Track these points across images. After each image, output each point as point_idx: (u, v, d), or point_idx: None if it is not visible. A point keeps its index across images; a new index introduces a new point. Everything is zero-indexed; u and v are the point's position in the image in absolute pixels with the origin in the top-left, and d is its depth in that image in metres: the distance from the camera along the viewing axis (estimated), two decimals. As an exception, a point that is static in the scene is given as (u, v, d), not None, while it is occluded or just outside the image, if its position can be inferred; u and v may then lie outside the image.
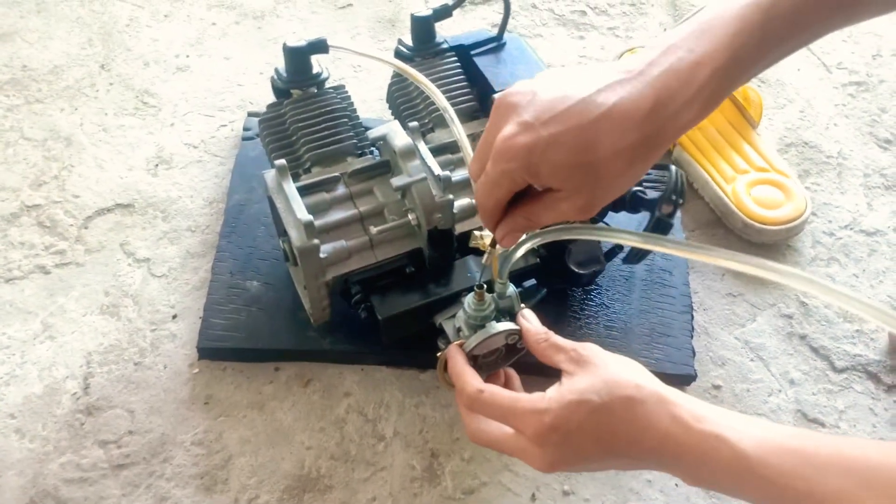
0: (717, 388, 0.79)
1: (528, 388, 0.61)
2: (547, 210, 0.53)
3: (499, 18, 0.84)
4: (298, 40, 0.76)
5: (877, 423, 0.78)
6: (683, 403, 0.53)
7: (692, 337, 0.80)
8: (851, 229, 0.92)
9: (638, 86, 0.50)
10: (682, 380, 0.78)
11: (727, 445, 0.50)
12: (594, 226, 0.71)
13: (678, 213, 0.76)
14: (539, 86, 0.52)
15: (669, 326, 0.80)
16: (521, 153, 0.51)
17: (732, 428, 0.51)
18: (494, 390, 0.57)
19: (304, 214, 0.68)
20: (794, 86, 1.06)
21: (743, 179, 0.90)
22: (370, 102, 1.01)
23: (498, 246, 0.62)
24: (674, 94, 0.50)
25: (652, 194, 0.76)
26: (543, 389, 0.55)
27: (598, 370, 0.55)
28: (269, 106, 0.79)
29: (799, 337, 0.83)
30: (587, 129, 0.50)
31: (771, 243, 0.89)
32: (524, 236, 0.59)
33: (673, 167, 0.74)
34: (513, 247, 0.59)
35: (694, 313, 0.82)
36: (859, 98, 1.05)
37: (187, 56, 1.04)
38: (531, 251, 0.61)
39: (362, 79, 1.04)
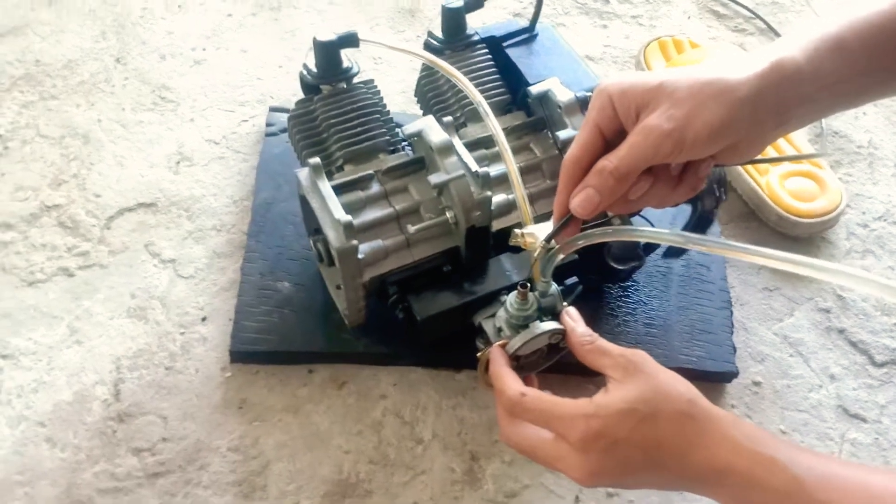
0: (758, 384, 0.78)
1: (563, 389, 0.59)
2: (624, 143, 0.52)
3: (517, 7, 0.81)
4: (328, 34, 0.74)
5: (919, 418, 0.77)
6: (735, 423, 0.52)
7: (732, 333, 0.79)
8: (885, 220, 0.91)
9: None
10: (723, 377, 0.77)
11: (780, 468, 0.49)
12: (639, 227, 0.69)
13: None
14: None
15: (709, 323, 0.79)
16: (610, 82, 0.53)
17: (785, 452, 0.50)
18: (537, 393, 0.56)
19: (342, 214, 0.67)
20: (822, 74, 1.04)
21: (776, 171, 0.89)
22: (392, 96, 0.98)
23: (537, 238, 0.60)
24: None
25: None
26: (578, 389, 0.54)
27: (648, 380, 0.53)
28: (299, 102, 0.77)
29: (837, 331, 0.82)
30: (672, 71, 0.53)
31: (806, 236, 0.88)
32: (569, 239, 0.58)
33: (715, 162, 0.73)
34: (559, 245, 0.58)
35: (732, 308, 0.81)
36: (888, 86, 1.03)
37: (204, 49, 1.01)
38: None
39: (383, 71, 1.01)
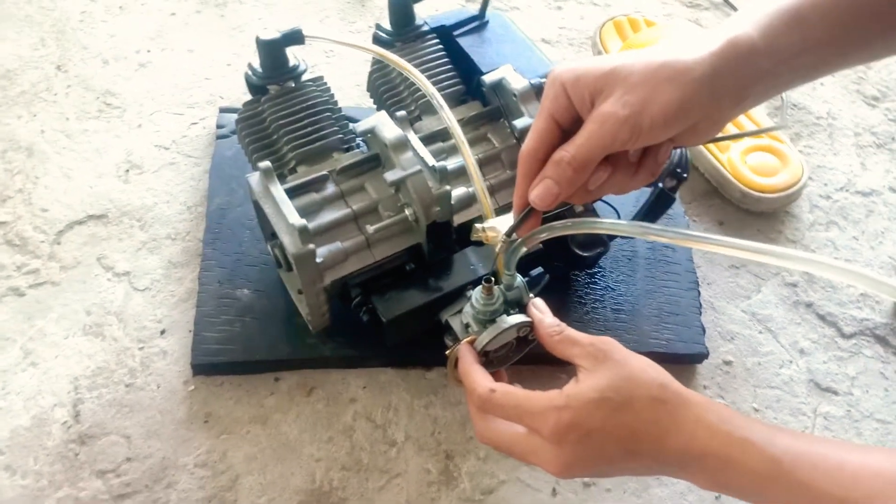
0: (729, 363, 0.78)
1: (535, 380, 0.59)
2: (580, 133, 0.51)
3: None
4: (272, 32, 0.72)
5: (889, 386, 0.78)
6: (708, 406, 0.52)
7: (701, 314, 0.78)
8: (847, 191, 0.91)
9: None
10: (694, 358, 0.77)
11: (756, 449, 0.49)
12: (603, 219, 0.68)
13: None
14: None
15: (677, 304, 0.78)
16: (564, 66, 0.52)
17: (760, 432, 0.50)
18: (507, 388, 0.55)
19: (296, 219, 0.65)
20: (777, 46, 1.03)
21: (737, 147, 0.88)
22: (346, 89, 0.96)
23: (499, 232, 0.59)
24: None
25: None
26: (550, 380, 0.53)
27: (618, 367, 0.53)
28: (246, 104, 0.75)
29: (805, 305, 0.82)
30: (623, 55, 0.52)
31: (770, 211, 0.87)
32: (530, 232, 0.57)
33: (676, 141, 0.72)
34: (522, 238, 0.57)
35: (700, 289, 0.80)
36: (844, 55, 1.03)
37: (148, 51, 0.98)
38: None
39: (335, 64, 0.99)
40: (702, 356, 0.76)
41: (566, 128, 0.53)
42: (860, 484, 0.47)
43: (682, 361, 0.77)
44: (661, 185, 0.70)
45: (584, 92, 0.51)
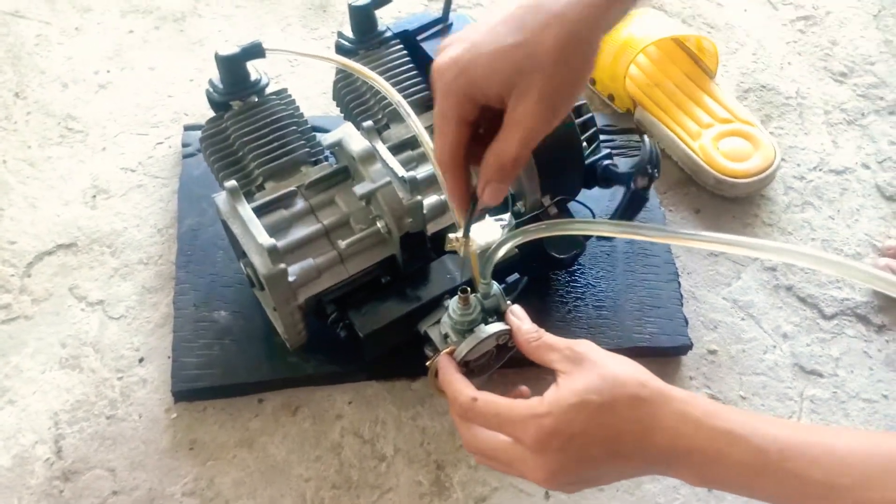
0: (713, 352, 0.78)
1: (522, 382, 0.58)
2: (509, 129, 0.50)
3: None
4: (231, 47, 0.71)
5: (873, 365, 0.78)
6: (690, 400, 0.51)
7: (682, 304, 0.78)
8: (821, 170, 0.91)
9: None
10: (678, 350, 0.77)
11: (743, 441, 0.49)
12: (575, 220, 0.68)
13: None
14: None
15: (658, 297, 0.78)
16: (450, 62, 0.50)
17: (745, 424, 0.49)
18: (489, 398, 0.54)
19: (265, 239, 0.64)
20: (743, 28, 1.03)
21: (709, 134, 0.88)
22: (313, 98, 0.95)
23: (473, 241, 0.58)
24: None
25: (624, 168, 0.74)
26: (537, 382, 0.53)
27: (596, 368, 0.52)
28: (209, 121, 0.73)
29: (785, 288, 0.82)
30: (507, 19, 0.49)
31: (745, 196, 0.87)
32: (502, 236, 0.56)
33: (646, 138, 0.72)
34: (493, 247, 0.57)
35: (680, 279, 0.80)
36: (809, 33, 1.03)
37: (108, 71, 0.96)
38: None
39: (300, 73, 0.98)
40: (686, 348, 0.76)
41: (475, 121, 0.52)
42: (849, 470, 0.47)
43: (667, 354, 0.77)
44: (633, 185, 0.69)
45: (491, 92, 0.50)
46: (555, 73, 0.49)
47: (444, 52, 0.51)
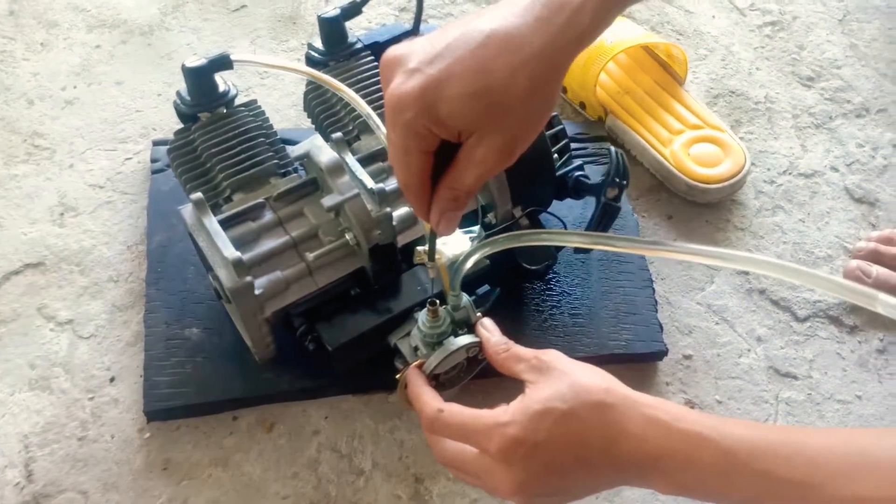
0: (689, 357, 0.78)
1: (499, 392, 0.56)
2: (466, 166, 0.49)
3: (402, 1, 0.78)
4: (198, 59, 0.70)
5: (846, 366, 0.79)
6: (657, 405, 0.51)
7: (657, 310, 0.78)
8: (790, 174, 0.92)
9: (516, 9, 0.48)
10: (654, 356, 0.77)
11: (712, 443, 0.49)
12: (542, 230, 0.68)
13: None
14: (418, 38, 0.50)
15: (633, 304, 0.78)
16: (413, 98, 0.47)
17: (713, 426, 0.49)
18: (454, 409, 0.54)
19: (231, 252, 0.63)
20: (711, 34, 1.04)
21: (679, 140, 0.89)
22: (283, 110, 0.95)
23: (438, 258, 0.59)
24: (561, 5, 0.47)
25: (595, 178, 0.74)
26: (515, 390, 0.52)
27: (562, 376, 0.52)
28: (176, 133, 0.73)
29: (758, 292, 0.83)
30: (475, 55, 0.47)
31: (716, 201, 0.88)
32: (472, 246, 0.56)
33: (612, 148, 0.72)
34: (461, 259, 0.57)
35: (654, 285, 0.80)
36: (776, 38, 1.04)
37: (75, 87, 0.95)
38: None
39: (271, 85, 0.97)
40: (662, 353, 0.76)
41: (435, 150, 0.51)
42: (820, 468, 0.47)
43: (643, 360, 0.77)
44: (603, 197, 0.69)
45: (453, 131, 0.48)
46: (522, 122, 0.48)
47: (403, 81, 0.48)
